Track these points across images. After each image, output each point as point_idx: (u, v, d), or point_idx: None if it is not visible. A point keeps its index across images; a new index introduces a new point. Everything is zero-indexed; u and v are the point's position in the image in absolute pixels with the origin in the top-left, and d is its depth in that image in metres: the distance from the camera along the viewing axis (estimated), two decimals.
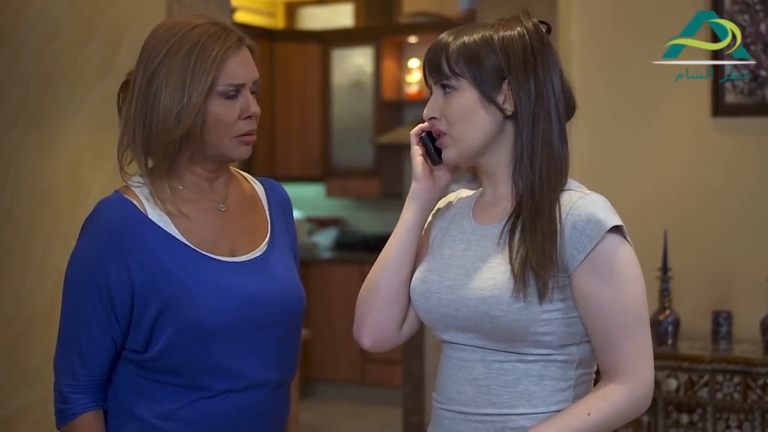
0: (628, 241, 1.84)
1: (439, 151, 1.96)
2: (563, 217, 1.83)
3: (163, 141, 1.99)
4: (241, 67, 2.02)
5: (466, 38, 1.89)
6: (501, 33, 1.89)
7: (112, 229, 1.99)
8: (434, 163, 1.98)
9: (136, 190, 2.04)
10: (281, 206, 2.21)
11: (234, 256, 2.06)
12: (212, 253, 2.03)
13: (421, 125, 1.98)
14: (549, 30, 1.95)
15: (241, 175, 2.21)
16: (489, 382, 1.86)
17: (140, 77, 2.03)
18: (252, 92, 2.05)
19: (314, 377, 7.41)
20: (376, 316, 2.00)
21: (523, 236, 1.83)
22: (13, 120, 4.29)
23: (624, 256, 1.82)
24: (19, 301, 4.28)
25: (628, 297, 1.81)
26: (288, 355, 2.12)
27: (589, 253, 1.80)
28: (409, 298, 1.99)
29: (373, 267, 2.02)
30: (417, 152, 1.99)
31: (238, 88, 2.01)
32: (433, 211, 2.07)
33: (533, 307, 1.80)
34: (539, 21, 1.94)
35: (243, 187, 2.17)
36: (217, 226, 2.07)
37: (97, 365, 2.02)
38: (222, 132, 2.01)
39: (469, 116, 1.88)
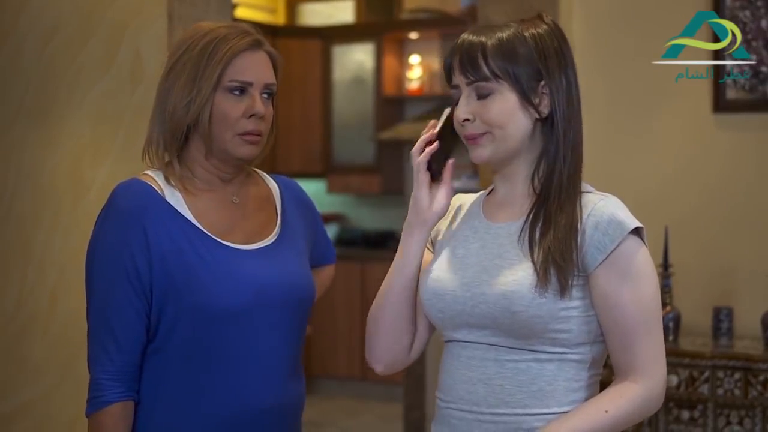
0: (645, 242, 1.87)
1: (437, 171, 1.93)
2: (585, 217, 1.85)
3: (172, 130, 2.05)
4: (251, 67, 2.06)
5: (499, 35, 1.88)
6: (530, 31, 1.89)
7: (130, 208, 2.02)
8: (434, 180, 1.94)
9: (153, 175, 2.08)
10: (296, 201, 2.24)
11: (246, 245, 2.09)
12: (224, 240, 2.06)
13: (427, 148, 1.92)
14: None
15: (258, 174, 2.23)
16: (503, 381, 1.86)
17: (163, 71, 2.10)
18: (266, 95, 2.08)
19: (315, 373, 7.41)
20: (384, 341, 2.01)
21: (545, 233, 1.85)
22: (14, 116, 4.30)
23: (642, 258, 1.85)
24: (20, 297, 4.28)
25: (646, 297, 1.84)
26: (295, 343, 2.14)
27: (611, 253, 1.82)
28: (415, 319, 2.00)
29: (379, 293, 2.00)
30: (425, 181, 1.94)
31: (244, 86, 2.05)
32: None
33: (553, 302, 1.81)
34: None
35: (258, 187, 2.20)
36: (231, 216, 2.11)
37: (132, 349, 2.02)
38: (225, 127, 2.04)
39: (509, 119, 1.87)
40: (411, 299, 1.98)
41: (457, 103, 1.92)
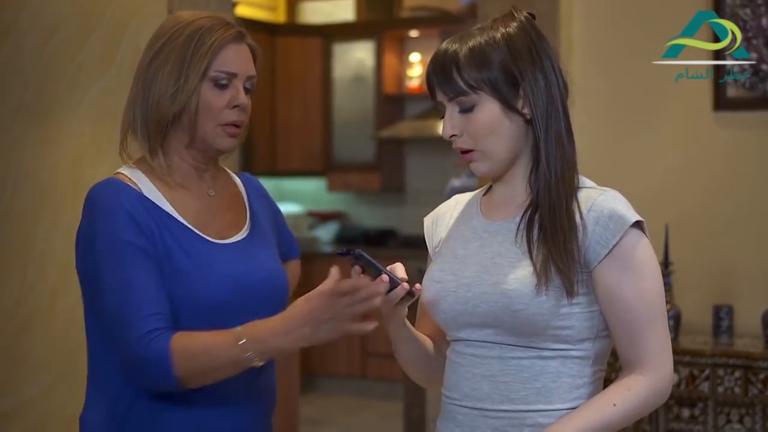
0: (646, 235, 1.87)
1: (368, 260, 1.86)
2: (585, 213, 1.84)
3: (156, 119, 2.06)
4: (236, 59, 2.08)
5: (471, 43, 1.87)
6: (501, 31, 1.88)
7: (114, 202, 2.00)
8: (379, 271, 1.84)
9: (128, 173, 2.08)
10: (260, 197, 2.27)
11: (221, 239, 2.11)
12: (203, 234, 2.08)
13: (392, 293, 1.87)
14: (533, 18, 1.94)
15: (225, 170, 2.26)
16: (506, 378, 1.87)
17: (143, 59, 2.10)
18: (246, 89, 2.10)
19: (315, 371, 7.41)
20: (424, 377, 2.09)
21: (543, 235, 1.84)
22: (14, 114, 4.30)
23: (644, 250, 1.85)
24: (21, 295, 4.28)
25: (650, 290, 1.84)
26: None
27: (613, 247, 1.82)
28: (430, 353, 2.05)
29: (396, 356, 2.06)
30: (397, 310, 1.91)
31: (229, 78, 2.07)
32: (433, 219, 2.08)
33: (555, 300, 1.82)
34: (527, 12, 1.93)
35: (228, 183, 2.22)
36: (207, 210, 2.12)
37: (162, 301, 1.95)
38: (208, 118, 2.06)
39: (494, 129, 1.87)
40: (421, 351, 2.03)
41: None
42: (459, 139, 1.90)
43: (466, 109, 1.88)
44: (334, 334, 1.86)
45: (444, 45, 1.90)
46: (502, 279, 1.85)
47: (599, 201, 1.85)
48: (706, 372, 3.57)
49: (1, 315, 4.32)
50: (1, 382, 4.33)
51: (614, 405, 1.81)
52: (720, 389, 3.55)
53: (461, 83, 1.86)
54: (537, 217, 1.87)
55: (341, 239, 7.84)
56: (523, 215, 1.89)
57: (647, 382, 1.83)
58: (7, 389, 4.32)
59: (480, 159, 1.90)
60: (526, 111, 1.88)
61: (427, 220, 2.10)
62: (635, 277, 1.83)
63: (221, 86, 2.06)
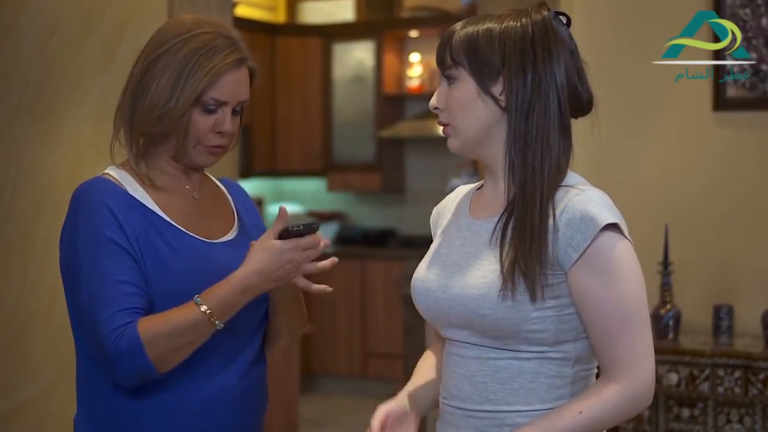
0: (626, 237, 1.82)
1: (303, 228, 1.98)
2: (558, 214, 1.81)
3: (140, 133, 2.06)
4: (232, 87, 2.05)
5: (470, 28, 1.89)
6: (504, 24, 1.88)
7: (98, 200, 2.01)
8: (310, 228, 2.01)
9: (115, 174, 2.08)
10: (245, 202, 2.27)
11: (210, 240, 2.11)
12: (191, 233, 2.08)
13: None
14: (569, 22, 1.92)
15: (209, 175, 2.26)
16: (485, 379, 1.86)
17: (140, 64, 2.09)
18: (234, 111, 2.09)
19: (315, 371, 7.42)
20: None
21: (513, 234, 1.82)
22: (15, 114, 4.30)
23: (621, 253, 1.80)
24: (21, 295, 4.29)
25: (625, 294, 1.79)
26: (262, 329, 2.16)
27: (584, 251, 1.78)
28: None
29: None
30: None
31: (220, 105, 2.05)
32: (438, 210, 2.08)
33: (523, 305, 1.79)
34: (557, 12, 1.91)
35: (213, 186, 2.23)
36: (193, 211, 2.12)
37: (136, 297, 1.97)
38: (191, 138, 2.06)
39: (466, 106, 1.88)
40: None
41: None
42: (441, 113, 1.92)
43: (450, 82, 1.91)
44: (291, 278, 2.01)
45: (455, 24, 1.93)
46: (472, 282, 1.84)
47: (573, 202, 1.81)
48: (706, 372, 3.57)
49: (1, 315, 4.33)
50: (1, 382, 4.33)
51: (580, 413, 1.78)
52: (720, 389, 3.55)
53: (448, 57, 1.89)
54: (513, 216, 1.84)
55: (341, 239, 7.84)
56: (501, 215, 1.87)
57: (619, 389, 1.78)
58: (7, 389, 4.32)
59: (452, 134, 1.92)
60: (502, 98, 1.87)
61: (434, 212, 2.11)
62: (610, 281, 1.78)
63: (209, 111, 2.04)
